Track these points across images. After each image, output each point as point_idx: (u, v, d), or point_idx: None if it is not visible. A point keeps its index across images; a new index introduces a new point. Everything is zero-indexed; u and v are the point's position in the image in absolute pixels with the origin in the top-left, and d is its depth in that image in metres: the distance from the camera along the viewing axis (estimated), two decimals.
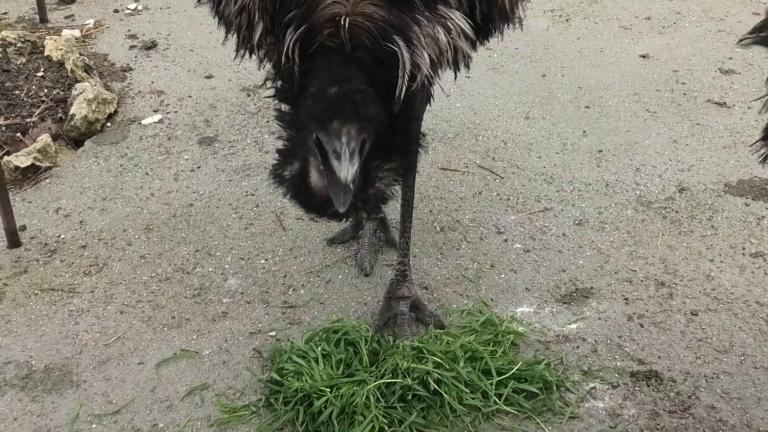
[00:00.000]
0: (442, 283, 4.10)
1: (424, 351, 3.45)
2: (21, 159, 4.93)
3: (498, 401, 3.34)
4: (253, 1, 2.89)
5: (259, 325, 3.87)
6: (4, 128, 5.22)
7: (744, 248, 4.30)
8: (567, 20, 7.00)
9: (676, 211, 4.59)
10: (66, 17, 7.07)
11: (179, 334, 3.83)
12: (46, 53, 5.95)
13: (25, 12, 7.12)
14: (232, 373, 3.61)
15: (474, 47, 3.17)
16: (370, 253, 4.23)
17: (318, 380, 3.31)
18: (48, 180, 4.95)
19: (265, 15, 2.89)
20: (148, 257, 4.32)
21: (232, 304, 4.01)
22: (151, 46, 6.53)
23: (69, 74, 5.72)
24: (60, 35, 6.37)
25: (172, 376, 3.61)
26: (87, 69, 5.81)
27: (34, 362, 3.70)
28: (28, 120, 5.30)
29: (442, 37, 2.89)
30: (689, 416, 3.36)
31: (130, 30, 6.83)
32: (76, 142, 5.32)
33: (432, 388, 3.32)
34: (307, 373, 3.35)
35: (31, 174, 4.94)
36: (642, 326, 3.82)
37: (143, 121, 5.53)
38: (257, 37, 2.96)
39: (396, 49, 2.78)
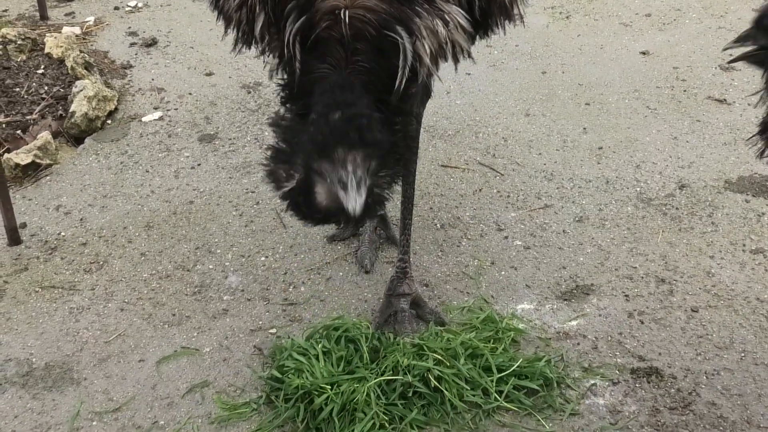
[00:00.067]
0: (442, 280, 4.10)
1: (425, 348, 3.45)
2: (21, 156, 4.93)
3: (498, 398, 3.34)
4: None
5: (260, 323, 3.87)
6: (4, 125, 5.22)
7: (744, 245, 4.30)
8: (567, 17, 6.99)
9: (677, 208, 4.59)
10: (66, 14, 7.06)
11: (180, 332, 3.83)
12: (47, 50, 5.94)
13: (26, 9, 7.12)
14: (233, 371, 3.61)
15: (472, 42, 3.18)
16: (370, 250, 4.23)
17: (319, 377, 3.31)
18: (48, 177, 4.95)
19: (266, 6, 2.89)
20: (148, 255, 4.32)
21: (233, 301, 4.01)
22: (152, 43, 6.52)
23: (69, 71, 5.71)
24: (60, 32, 6.37)
25: (173, 374, 3.61)
26: (87, 66, 5.80)
27: (34, 360, 3.70)
28: (28, 117, 5.30)
29: (441, 30, 2.89)
30: (690, 413, 3.36)
31: (130, 27, 6.82)
32: (77, 140, 5.32)
33: (432, 385, 3.32)
34: (308, 371, 3.35)
35: (31, 171, 4.94)
36: (642, 323, 3.82)
37: (143, 119, 5.53)
38: (259, 28, 2.96)
39: (398, 38, 2.78)
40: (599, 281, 4.08)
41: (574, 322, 3.83)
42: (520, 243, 4.35)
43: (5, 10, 7.10)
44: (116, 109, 5.62)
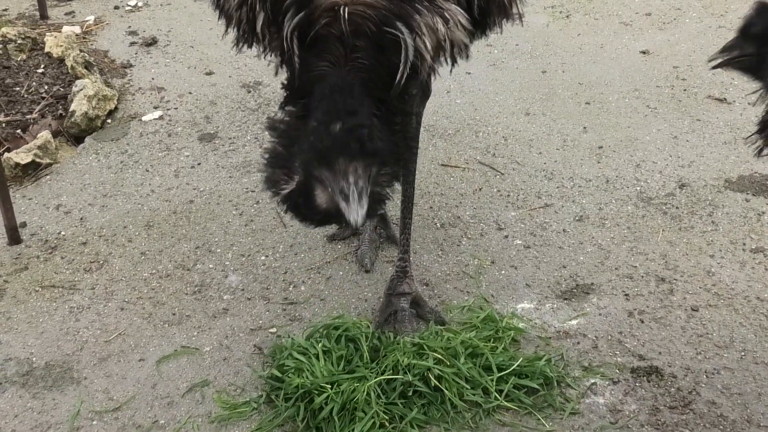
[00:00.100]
0: (442, 280, 4.10)
1: (425, 347, 3.45)
2: (21, 156, 4.93)
3: (499, 397, 3.34)
4: None
5: (260, 322, 3.87)
6: (4, 125, 5.22)
7: (744, 244, 4.30)
8: (567, 16, 6.99)
9: (677, 207, 4.59)
10: (66, 14, 7.06)
11: (180, 331, 3.83)
12: (47, 50, 5.94)
13: (26, 9, 7.11)
14: (233, 370, 3.61)
15: (471, 41, 3.17)
16: (370, 249, 4.23)
17: (319, 377, 3.31)
18: (48, 177, 4.95)
19: (265, 4, 2.89)
20: (148, 254, 4.32)
21: (233, 300, 4.01)
22: (152, 42, 6.52)
23: (69, 71, 5.71)
24: (60, 32, 6.37)
25: (173, 373, 3.61)
26: (87, 65, 5.80)
27: (34, 359, 3.70)
28: (28, 117, 5.30)
29: (440, 27, 2.89)
30: (690, 412, 3.36)
31: (130, 26, 6.82)
32: (77, 139, 5.32)
33: (433, 385, 3.32)
34: (308, 370, 3.35)
35: (31, 171, 4.94)
36: (642, 322, 3.82)
37: (143, 118, 5.53)
38: (260, 26, 2.95)
39: (399, 34, 2.77)
40: (599, 280, 4.08)
41: (574, 321, 3.83)
42: (520, 242, 4.35)
43: (5, 10, 7.10)
44: (116, 108, 5.62)
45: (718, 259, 4.20)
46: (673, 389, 3.46)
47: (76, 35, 6.46)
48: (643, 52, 6.32)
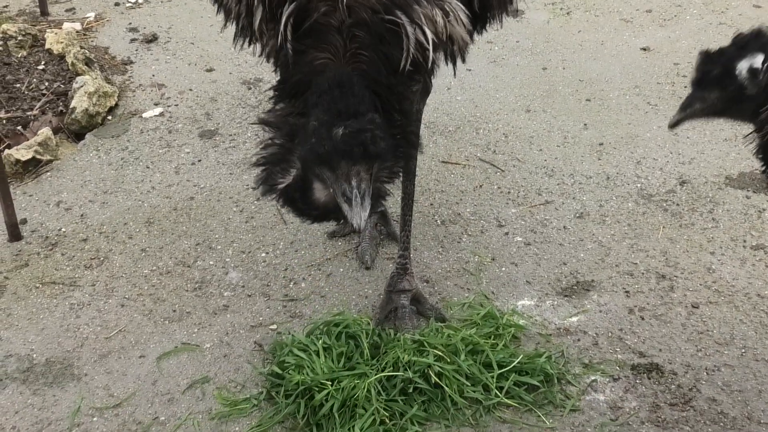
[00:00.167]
0: (443, 276, 4.10)
1: (425, 344, 3.45)
2: (22, 152, 4.92)
3: (499, 394, 3.34)
4: None
5: (260, 319, 3.87)
6: (5, 121, 5.22)
7: (745, 241, 4.30)
8: (568, 13, 6.98)
9: (677, 204, 4.59)
10: (67, 10, 7.05)
11: (180, 328, 3.83)
12: (47, 46, 5.94)
13: (26, 5, 7.11)
14: (233, 367, 3.61)
15: (471, 34, 3.16)
16: (371, 246, 4.23)
17: (319, 373, 3.31)
18: (49, 173, 4.95)
19: None
20: (149, 250, 4.33)
21: (233, 297, 4.01)
22: (152, 39, 6.52)
23: (70, 67, 5.71)
24: (61, 28, 6.36)
25: (173, 370, 3.61)
26: (88, 62, 5.80)
27: (35, 355, 3.70)
28: (29, 113, 5.30)
29: (439, 20, 2.87)
30: (690, 409, 3.36)
31: (131, 23, 6.81)
32: (77, 136, 5.31)
33: (433, 381, 3.32)
34: (308, 367, 3.35)
35: (31, 167, 4.94)
36: (643, 319, 3.82)
37: (144, 115, 5.52)
38: (257, 23, 2.92)
39: (398, 20, 2.76)
40: (600, 277, 4.08)
41: (574, 318, 3.83)
42: (520, 239, 4.35)
43: (6, 6, 7.09)
44: (117, 105, 5.61)
45: (718, 256, 4.19)
46: (673, 386, 3.46)
47: (77, 32, 6.45)
48: (644, 49, 6.32)
